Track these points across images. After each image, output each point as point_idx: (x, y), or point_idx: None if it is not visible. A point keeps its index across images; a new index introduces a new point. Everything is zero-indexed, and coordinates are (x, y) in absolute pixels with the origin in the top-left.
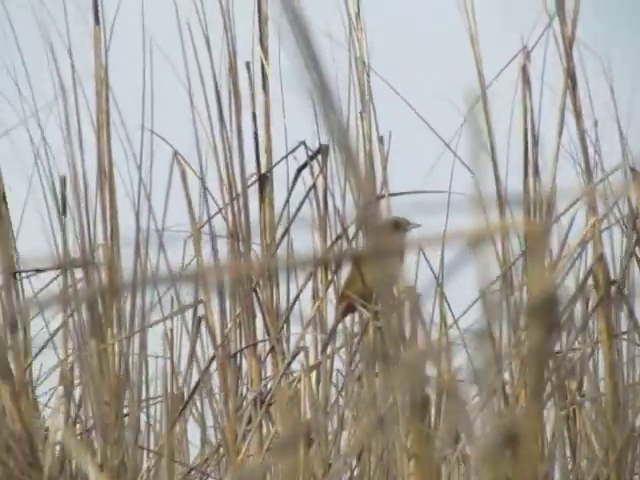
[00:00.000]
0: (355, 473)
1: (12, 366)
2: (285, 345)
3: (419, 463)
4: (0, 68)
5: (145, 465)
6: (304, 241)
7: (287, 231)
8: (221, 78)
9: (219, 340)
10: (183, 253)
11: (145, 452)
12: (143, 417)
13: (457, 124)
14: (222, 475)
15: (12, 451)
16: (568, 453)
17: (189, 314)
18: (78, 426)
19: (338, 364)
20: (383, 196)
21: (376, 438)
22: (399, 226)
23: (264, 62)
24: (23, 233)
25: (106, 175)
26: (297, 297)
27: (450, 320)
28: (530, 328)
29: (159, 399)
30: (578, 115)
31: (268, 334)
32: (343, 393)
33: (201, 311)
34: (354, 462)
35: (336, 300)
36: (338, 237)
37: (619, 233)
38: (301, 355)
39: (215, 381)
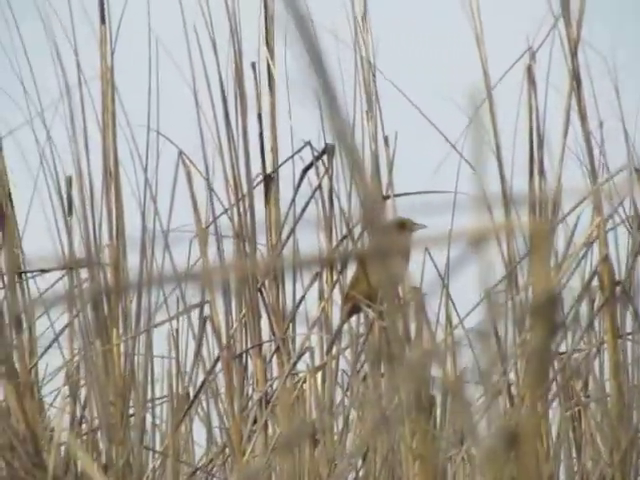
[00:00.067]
0: (360, 473)
1: (17, 366)
2: (291, 345)
3: (424, 463)
4: (5, 67)
5: (150, 465)
6: (310, 241)
7: (293, 231)
8: (227, 78)
9: (224, 340)
10: (189, 253)
11: (150, 452)
12: (149, 417)
13: (463, 124)
14: (227, 475)
15: (17, 451)
16: (574, 454)
17: (195, 314)
18: (84, 426)
19: (344, 364)
20: (389, 197)
21: (381, 438)
22: (404, 227)
23: (270, 62)
24: (28, 233)
25: (112, 175)
26: (303, 297)
27: (455, 320)
28: (533, 328)
29: (164, 399)
30: (583, 116)
31: (273, 334)
32: (348, 393)
33: (207, 311)
34: (359, 462)
35: (341, 301)
36: (344, 237)
37: (624, 233)
38: (306, 355)
39: (221, 381)
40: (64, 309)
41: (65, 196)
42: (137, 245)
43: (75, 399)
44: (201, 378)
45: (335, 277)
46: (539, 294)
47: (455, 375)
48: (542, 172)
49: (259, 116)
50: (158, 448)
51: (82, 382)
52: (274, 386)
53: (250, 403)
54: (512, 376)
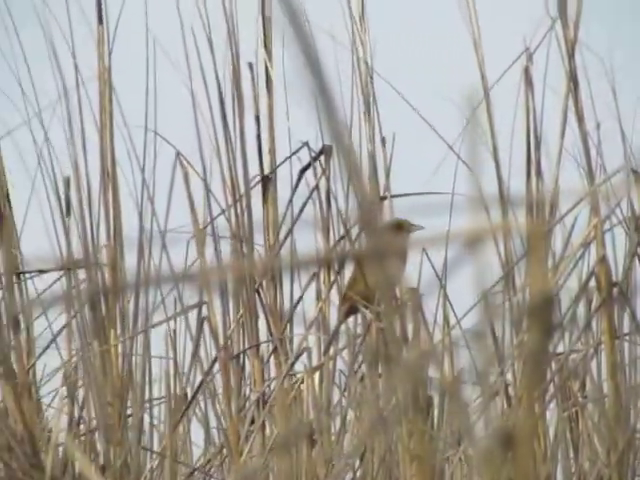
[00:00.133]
0: (358, 474)
1: (14, 367)
2: (288, 346)
3: (421, 464)
4: (3, 68)
5: (148, 466)
6: (307, 242)
7: (290, 232)
8: (225, 79)
9: (222, 341)
10: (186, 254)
11: (148, 453)
12: (146, 418)
13: (461, 126)
14: (225, 476)
15: (14, 452)
16: (571, 454)
17: (192, 315)
18: (82, 427)
19: (341, 365)
20: (386, 197)
21: (379, 439)
22: (402, 228)
23: (268, 64)
24: (25, 233)
25: (109, 175)
26: (300, 298)
27: (453, 321)
28: (530, 329)
29: (162, 400)
30: (580, 117)
31: (271, 335)
32: (346, 394)
33: (204, 312)
34: (357, 463)
35: (339, 301)
36: (341, 238)
37: (621, 234)
38: (304, 356)
39: (218, 382)
40: (62, 310)
41: (63, 197)
42: (134, 246)
43: (73, 400)
44: (199, 379)
45: (332, 278)
46: (536, 295)
47: (452, 376)
48: (539, 173)
49: (257, 117)
50: (156, 449)
51: (80, 383)
52: (272, 386)
53: (247, 403)
54: (509, 377)
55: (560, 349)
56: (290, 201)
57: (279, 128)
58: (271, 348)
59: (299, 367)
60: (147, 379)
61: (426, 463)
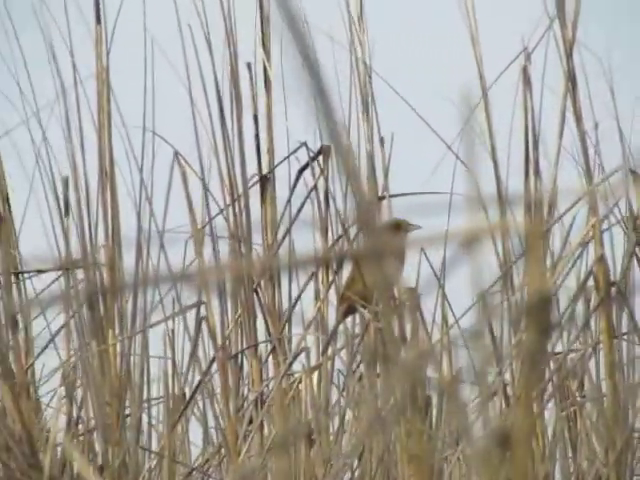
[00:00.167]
0: (356, 474)
1: (13, 366)
2: (287, 346)
3: (419, 464)
4: (1, 68)
5: (147, 466)
6: (305, 242)
7: (288, 231)
8: (223, 79)
9: (220, 341)
10: (184, 254)
11: (147, 453)
12: (145, 418)
13: (459, 125)
14: (223, 476)
15: (13, 452)
16: (569, 454)
17: (191, 315)
18: (80, 427)
19: (340, 365)
20: (384, 197)
21: (377, 439)
22: (400, 228)
23: (266, 63)
24: (23, 233)
25: (107, 174)
26: (298, 298)
27: (451, 320)
28: (527, 328)
29: (161, 400)
30: (578, 117)
31: (269, 335)
32: (344, 394)
33: (203, 312)
34: (355, 463)
35: (337, 301)
36: (339, 237)
37: (619, 234)
38: (302, 356)
39: (217, 382)
40: (60, 310)
41: (62, 197)
42: (133, 246)
43: (71, 400)
44: (197, 378)
45: (331, 277)
46: (533, 295)
47: (451, 375)
48: (537, 172)
49: (255, 117)
50: (154, 448)
51: (78, 382)
52: (270, 386)
53: (246, 403)
54: (508, 377)
55: (558, 348)
56: (288, 201)
57: (277, 128)
58: (269, 348)
59: (297, 367)
60: (145, 379)
61: (424, 463)
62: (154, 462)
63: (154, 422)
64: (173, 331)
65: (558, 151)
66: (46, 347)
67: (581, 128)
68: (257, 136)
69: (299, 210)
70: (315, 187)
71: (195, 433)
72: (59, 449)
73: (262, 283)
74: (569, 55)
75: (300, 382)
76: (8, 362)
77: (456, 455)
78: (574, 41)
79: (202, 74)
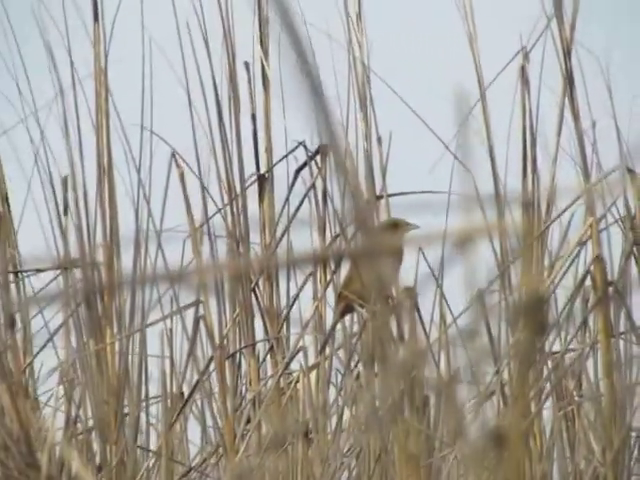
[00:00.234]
0: (354, 473)
1: (10, 365)
2: (284, 345)
3: (415, 463)
4: (0, 67)
5: (145, 464)
6: (303, 241)
7: (286, 230)
8: (222, 78)
9: (218, 340)
10: (182, 253)
11: (145, 451)
12: (144, 417)
13: (456, 124)
14: (221, 475)
15: (10, 451)
16: (567, 453)
17: (188, 314)
18: (79, 426)
19: (338, 364)
20: (382, 196)
21: (374, 438)
22: (397, 227)
23: (264, 63)
24: (21, 232)
25: (105, 171)
26: (296, 297)
27: (449, 319)
28: (521, 328)
29: (159, 399)
30: (576, 116)
31: (267, 334)
32: (342, 393)
33: (201, 311)
34: (353, 462)
35: (334, 300)
36: (336, 236)
37: (617, 233)
38: (300, 355)
39: (215, 381)
40: (59, 308)
41: (60, 196)
42: (131, 245)
43: (70, 399)
44: (195, 378)
45: (329, 277)
46: (528, 294)
47: (449, 374)
48: (535, 171)
49: (253, 116)
50: (153, 448)
51: (76, 381)
52: (268, 386)
53: (243, 403)
54: (506, 376)
55: (556, 348)
56: (286, 200)
57: (275, 127)
58: (267, 347)
59: (295, 366)
60: (143, 378)
61: (422, 462)
62: (152, 461)
63: (153, 421)
64: (171, 330)
65: (556, 150)
66: (44, 346)
67: (579, 128)
68: (255, 135)
69: (297, 209)
70: (313, 186)
71: (193, 432)
72: (57, 448)
73: (260, 282)
74: (567, 54)
75: (298, 381)
76: (5, 361)
77: (454, 454)
78: (572, 40)
79: (200, 74)
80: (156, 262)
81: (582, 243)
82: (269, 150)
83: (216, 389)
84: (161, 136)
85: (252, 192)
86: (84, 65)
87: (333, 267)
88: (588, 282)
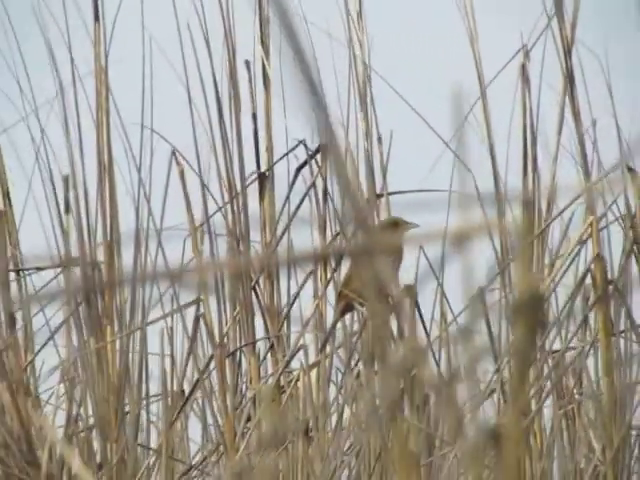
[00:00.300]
0: (354, 471)
1: (9, 364)
2: (285, 343)
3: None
4: (1, 66)
5: (145, 463)
6: (303, 239)
7: (287, 228)
8: (222, 77)
9: (218, 338)
10: (183, 251)
11: (145, 450)
12: (145, 415)
13: (455, 122)
14: (221, 473)
15: (11, 449)
16: (567, 451)
17: (189, 312)
18: (80, 424)
19: (338, 362)
20: (382, 195)
21: (374, 436)
22: (397, 226)
23: (265, 61)
24: (22, 230)
25: (105, 168)
26: (297, 295)
27: (448, 317)
28: (516, 326)
29: (159, 397)
30: (577, 115)
31: (267, 332)
32: (342, 391)
33: (201, 309)
34: (353, 460)
35: (335, 299)
36: (337, 235)
37: (617, 232)
38: (300, 353)
39: (215, 379)
40: (60, 307)
41: (62, 194)
42: (131, 243)
43: (71, 397)
44: (195, 376)
45: (329, 275)
46: (523, 292)
47: (449, 373)
48: (536, 170)
49: (253, 115)
50: (154, 446)
51: (77, 380)
52: (268, 384)
53: (244, 401)
54: (506, 374)
55: (556, 346)
56: (287, 198)
57: (276, 126)
58: (268, 345)
59: (295, 364)
60: (144, 376)
61: (422, 460)
62: (152, 459)
63: (153, 419)
64: (172, 328)
65: (557, 148)
66: (45, 344)
67: (579, 127)
68: (256, 134)
69: (297, 208)
70: (313, 185)
71: (194, 430)
72: (58, 446)
73: (260, 281)
74: (568, 53)
75: (298, 380)
76: (6, 359)
77: (454, 453)
78: (573, 39)
79: (200, 72)
80: (156, 260)
81: (582, 241)
82: (269, 149)
83: (216, 387)
84: (161, 134)
85: (252, 190)
86: (84, 63)
87: (333, 265)
88: (588, 280)
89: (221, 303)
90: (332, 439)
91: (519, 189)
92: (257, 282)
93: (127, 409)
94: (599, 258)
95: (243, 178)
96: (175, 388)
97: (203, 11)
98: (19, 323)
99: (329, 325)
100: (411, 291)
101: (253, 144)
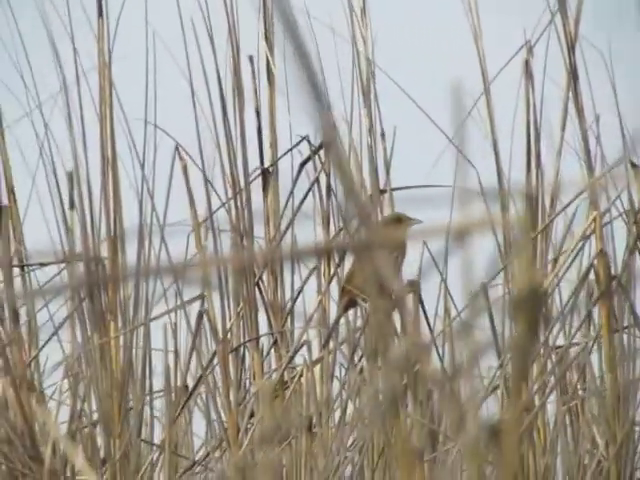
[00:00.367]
0: (357, 467)
1: (12, 360)
2: (289, 339)
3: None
4: (4, 60)
5: (149, 458)
6: (307, 235)
7: (291, 224)
8: (226, 72)
9: (221, 334)
10: (186, 247)
11: (149, 445)
12: (149, 410)
13: (456, 117)
14: (225, 468)
15: (14, 444)
16: (571, 447)
17: (193, 308)
18: (84, 420)
19: (341, 358)
20: (385, 191)
21: (378, 432)
22: (401, 221)
23: (269, 57)
24: (26, 226)
25: (109, 162)
26: (300, 291)
27: (451, 313)
28: (516, 322)
29: (163, 392)
30: (580, 110)
31: (271, 328)
32: (346, 387)
33: (205, 305)
34: (356, 456)
35: (338, 294)
36: (340, 230)
37: (620, 228)
38: (304, 349)
39: (219, 374)
40: (64, 302)
41: (67, 190)
42: (135, 238)
43: (75, 393)
44: (199, 371)
45: (332, 271)
46: (522, 288)
47: (452, 368)
48: (539, 165)
49: (257, 111)
50: (157, 441)
51: (81, 376)
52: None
53: (247, 396)
54: (509, 370)
55: (560, 342)
56: (290, 194)
57: (279, 122)
58: (271, 341)
59: (299, 360)
60: (147, 372)
61: (426, 456)
62: (156, 455)
63: (157, 415)
64: (175, 324)
65: (560, 144)
66: (49, 340)
67: (582, 123)
68: (259, 130)
69: (301, 203)
70: (317, 180)
71: (198, 425)
72: (61, 442)
73: (264, 276)
74: (571, 49)
75: (301, 375)
76: (10, 355)
77: (457, 448)
78: (576, 35)
79: (204, 68)
80: (160, 256)
81: (586, 237)
82: (273, 144)
83: (220, 383)
84: (165, 130)
85: (256, 186)
86: (88, 58)
87: (337, 261)
88: (592, 276)
89: (225, 299)
90: (335, 435)
91: (522, 184)
92: (261, 278)
93: (130, 404)
94: (602, 254)
95: (247, 174)
96: (178, 384)
97: (207, 7)
98: (23, 318)
99: (332, 321)
100: (415, 286)
101: (257, 140)
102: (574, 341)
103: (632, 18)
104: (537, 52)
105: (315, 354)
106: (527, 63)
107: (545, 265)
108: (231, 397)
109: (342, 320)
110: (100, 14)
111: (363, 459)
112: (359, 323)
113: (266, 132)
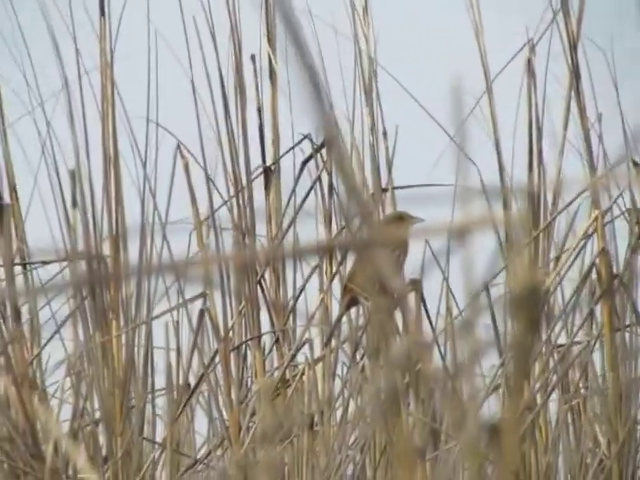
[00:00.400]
0: (359, 465)
1: (13, 358)
2: (290, 337)
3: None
4: (6, 58)
5: (150, 456)
6: (309, 233)
7: (293, 222)
8: (228, 71)
9: (222, 332)
10: (188, 245)
11: (151, 443)
12: (151, 408)
13: (459, 116)
14: (226, 466)
15: (15, 443)
16: (573, 445)
17: (195, 306)
18: (85, 417)
19: (343, 356)
20: (387, 189)
21: (380, 430)
22: (402, 220)
23: (271, 55)
24: (27, 224)
25: (111, 161)
26: (302, 289)
27: (453, 311)
28: (515, 321)
29: (165, 390)
30: (582, 109)
31: (273, 326)
32: (347, 385)
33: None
34: (358, 454)
35: (340, 293)
36: (342, 228)
37: (622, 226)
38: (306, 347)
39: (220, 373)
40: (66, 300)
41: (69, 188)
42: (137, 236)
43: (77, 391)
44: (201, 370)
45: (334, 269)
46: (521, 287)
47: (455, 366)
48: (541, 164)
49: (259, 109)
50: (159, 439)
51: (83, 374)
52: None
53: (249, 395)
54: (511, 368)
55: (562, 340)
56: (292, 192)
57: (282, 120)
58: (273, 339)
59: (301, 358)
60: (149, 370)
61: (427, 454)
62: (158, 453)
63: (158, 413)
64: (177, 322)
65: (562, 143)
66: (51, 338)
67: (584, 122)
68: (261, 128)
69: (303, 201)
70: (319, 178)
71: (200, 423)
72: (63, 440)
73: (266, 274)
74: (573, 48)
75: (303, 374)
76: (12, 353)
77: (458, 447)
78: (579, 34)
79: (206, 67)
80: (162, 254)
81: (588, 235)
82: (275, 142)
83: (222, 381)
84: (167, 128)
85: (258, 184)
86: (90, 57)
87: (339, 259)
88: (594, 274)
89: (226, 297)
90: (337, 433)
91: (524, 183)
92: (262, 276)
93: (132, 403)
94: (604, 252)
95: (249, 172)
96: (180, 382)
97: (209, 6)
98: (25, 316)
99: (334, 319)
100: (416, 285)
101: (259, 138)
102: (576, 339)
103: (632, 18)
104: (539, 51)
105: (317, 352)
106: (529, 62)
107: (547, 263)
108: (233, 395)
109: (344, 318)
110: (102, 13)
111: (365, 457)
112: (361, 321)
113: (268, 130)
